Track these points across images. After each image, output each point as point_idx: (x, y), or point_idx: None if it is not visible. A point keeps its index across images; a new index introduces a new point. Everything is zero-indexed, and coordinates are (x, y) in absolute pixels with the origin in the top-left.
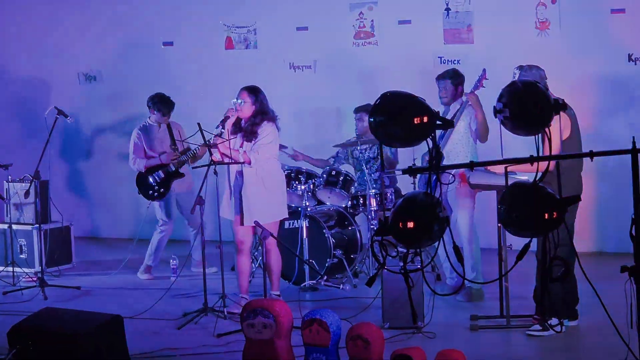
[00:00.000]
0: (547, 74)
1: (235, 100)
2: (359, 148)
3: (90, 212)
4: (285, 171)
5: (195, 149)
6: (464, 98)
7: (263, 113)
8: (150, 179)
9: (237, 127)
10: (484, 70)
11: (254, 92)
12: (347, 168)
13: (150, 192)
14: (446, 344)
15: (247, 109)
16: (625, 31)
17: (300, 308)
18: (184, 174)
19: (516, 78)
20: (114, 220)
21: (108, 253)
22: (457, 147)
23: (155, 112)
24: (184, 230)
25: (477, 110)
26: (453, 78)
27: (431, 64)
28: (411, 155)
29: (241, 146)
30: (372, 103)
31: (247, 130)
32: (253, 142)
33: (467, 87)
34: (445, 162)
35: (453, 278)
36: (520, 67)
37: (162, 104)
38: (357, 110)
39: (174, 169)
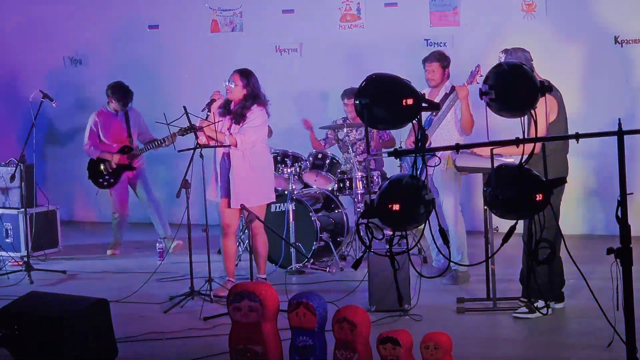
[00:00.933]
0: (533, 56)
1: (226, 82)
2: (344, 130)
3: (77, 196)
4: (272, 154)
5: (162, 140)
6: (449, 85)
7: (254, 97)
8: (102, 167)
9: (226, 110)
10: (478, 65)
11: (245, 75)
12: (334, 150)
13: (100, 179)
14: (433, 326)
15: (237, 92)
16: (612, 13)
17: (286, 291)
18: (136, 167)
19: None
20: (101, 204)
21: (94, 237)
22: (442, 132)
23: (114, 101)
24: (169, 213)
25: (463, 104)
26: (441, 60)
27: (418, 47)
28: (397, 137)
29: (229, 129)
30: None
31: (237, 113)
32: (241, 124)
33: (456, 75)
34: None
35: (439, 260)
36: (506, 51)
37: (121, 94)
38: (346, 94)
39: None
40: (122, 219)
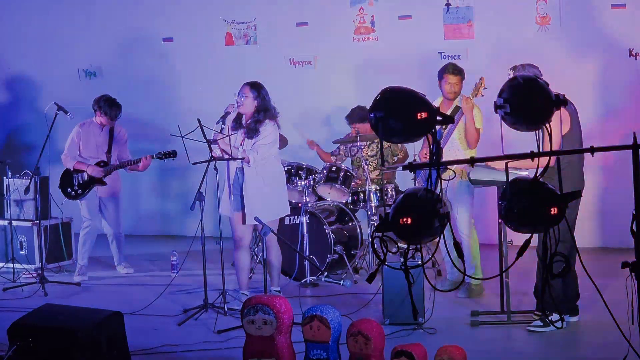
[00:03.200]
0: (547, 69)
1: (236, 95)
2: (358, 145)
3: None
4: (286, 167)
5: (137, 160)
6: (459, 98)
7: (265, 110)
8: (74, 179)
9: (238, 124)
10: (482, 77)
11: (256, 88)
12: (347, 164)
13: (69, 189)
14: (447, 339)
15: (248, 104)
16: (626, 26)
17: (300, 304)
18: (106, 182)
19: None
20: None
21: (108, 250)
22: (455, 144)
23: (101, 115)
24: (183, 226)
25: (467, 117)
26: (462, 74)
27: (431, 59)
28: (411, 151)
29: (242, 143)
30: (361, 106)
31: (250, 127)
32: (254, 139)
33: (469, 88)
34: (444, 159)
35: (453, 273)
36: (514, 68)
37: (108, 107)
38: (351, 121)
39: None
40: (93, 228)
